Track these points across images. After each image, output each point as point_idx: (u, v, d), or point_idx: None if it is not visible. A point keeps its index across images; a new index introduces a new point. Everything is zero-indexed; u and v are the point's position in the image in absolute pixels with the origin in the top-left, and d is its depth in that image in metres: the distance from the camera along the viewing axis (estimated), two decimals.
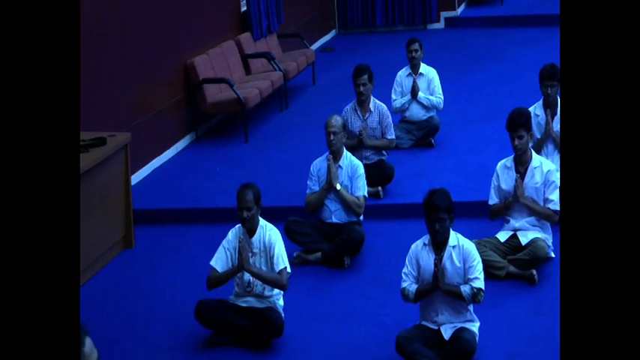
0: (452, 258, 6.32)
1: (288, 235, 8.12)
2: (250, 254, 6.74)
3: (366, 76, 9.37)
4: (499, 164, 7.84)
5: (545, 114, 8.70)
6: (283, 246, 6.82)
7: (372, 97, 9.50)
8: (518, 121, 7.61)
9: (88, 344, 3.08)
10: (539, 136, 8.67)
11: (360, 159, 8.75)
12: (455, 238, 6.36)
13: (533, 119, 8.14)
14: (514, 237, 7.73)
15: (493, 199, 7.82)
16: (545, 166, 7.69)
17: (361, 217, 8.32)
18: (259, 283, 6.79)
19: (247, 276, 6.79)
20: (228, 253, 6.81)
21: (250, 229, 6.80)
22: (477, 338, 6.37)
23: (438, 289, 6.29)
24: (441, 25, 17.49)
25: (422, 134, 10.72)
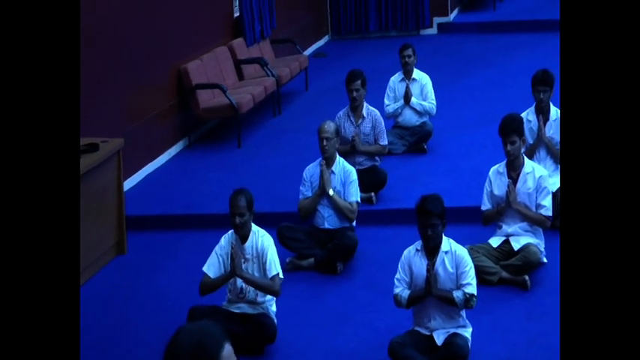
0: (444, 264, 6.32)
1: (281, 241, 8.12)
2: (243, 260, 6.74)
3: (359, 82, 9.38)
4: (492, 170, 7.85)
5: (538, 119, 8.71)
6: (276, 252, 6.82)
7: (365, 103, 9.50)
8: (511, 127, 7.62)
9: (227, 350, 3.03)
10: (531, 142, 8.69)
11: (353, 164, 8.76)
12: (447, 243, 6.37)
13: (525, 125, 8.16)
14: (506, 242, 7.74)
15: (486, 205, 7.83)
16: (538, 172, 7.71)
17: (354, 223, 8.32)
18: (252, 289, 6.78)
19: (240, 282, 6.78)
20: (220, 259, 6.81)
21: (243, 235, 6.79)
22: (470, 344, 6.38)
23: (430, 294, 6.29)
24: (433, 30, 17.51)
25: (415, 140, 10.73)
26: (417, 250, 6.41)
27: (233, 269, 6.65)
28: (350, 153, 9.28)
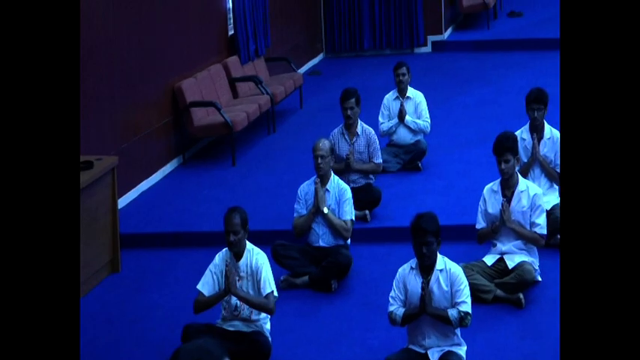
0: (439, 282, 6.32)
1: (275, 259, 8.11)
2: (237, 278, 6.73)
3: (353, 100, 9.39)
4: (486, 188, 7.86)
5: (532, 138, 8.73)
6: (270, 270, 6.81)
7: (359, 121, 9.52)
8: (505, 145, 7.63)
9: None
10: (525, 160, 8.70)
11: (348, 182, 8.76)
12: (442, 261, 6.36)
13: (519, 143, 8.17)
14: (501, 261, 7.74)
15: (480, 223, 7.83)
16: (532, 190, 7.72)
17: (348, 241, 8.32)
18: (246, 306, 6.77)
19: (234, 300, 6.77)
20: (215, 276, 6.80)
21: (237, 253, 6.79)
22: None
23: (425, 312, 6.28)
24: (428, 48, 17.56)
25: (409, 158, 10.73)
26: (411, 268, 6.41)
27: (227, 287, 6.64)
28: (344, 171, 9.28)
